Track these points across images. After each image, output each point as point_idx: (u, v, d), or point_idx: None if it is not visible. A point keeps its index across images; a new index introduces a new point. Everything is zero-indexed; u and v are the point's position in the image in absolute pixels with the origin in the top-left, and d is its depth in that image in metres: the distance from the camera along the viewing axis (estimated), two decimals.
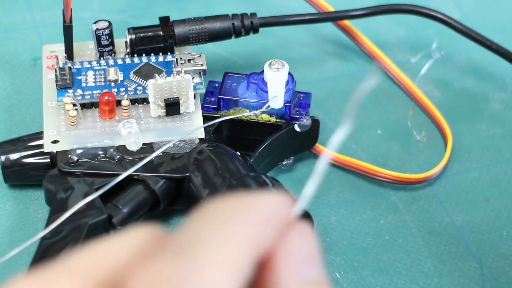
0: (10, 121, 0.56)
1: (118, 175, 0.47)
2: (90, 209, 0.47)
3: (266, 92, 0.51)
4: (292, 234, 0.27)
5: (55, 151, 0.50)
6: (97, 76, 0.52)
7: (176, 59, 0.53)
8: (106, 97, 0.50)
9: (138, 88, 0.52)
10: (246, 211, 0.27)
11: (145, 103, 0.52)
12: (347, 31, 0.61)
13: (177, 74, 0.50)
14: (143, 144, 0.50)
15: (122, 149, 0.50)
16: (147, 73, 0.52)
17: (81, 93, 0.51)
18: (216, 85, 0.53)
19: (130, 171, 0.47)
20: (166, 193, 0.49)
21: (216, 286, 0.24)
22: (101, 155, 0.50)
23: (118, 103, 0.51)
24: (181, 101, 0.51)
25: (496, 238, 0.52)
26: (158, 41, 0.54)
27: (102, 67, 0.53)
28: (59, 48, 0.55)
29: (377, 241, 0.52)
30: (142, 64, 0.53)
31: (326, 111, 0.58)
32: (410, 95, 0.59)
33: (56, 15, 0.62)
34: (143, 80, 0.52)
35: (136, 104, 0.52)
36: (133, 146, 0.50)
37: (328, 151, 0.29)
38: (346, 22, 0.60)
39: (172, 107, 0.51)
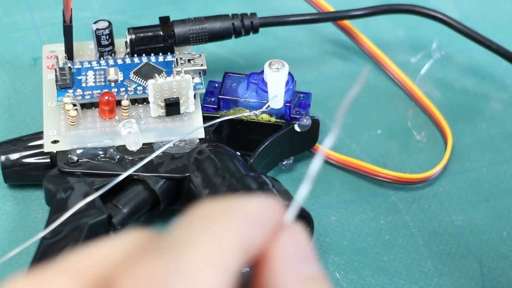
0: (10, 121, 0.56)
1: (118, 175, 0.47)
2: (90, 209, 0.47)
3: (266, 92, 0.51)
4: (284, 234, 0.28)
5: (55, 151, 0.50)
6: (97, 76, 0.52)
7: (176, 59, 0.53)
8: (106, 97, 0.51)
9: (138, 88, 0.52)
10: (233, 212, 0.27)
11: (145, 103, 0.52)
12: (347, 31, 0.61)
13: (177, 74, 0.50)
14: (143, 144, 0.50)
15: (122, 149, 0.50)
16: (147, 73, 0.52)
17: (81, 93, 0.51)
18: (216, 85, 0.53)
19: (130, 171, 0.47)
20: (166, 193, 0.49)
21: (203, 283, 0.25)
22: (101, 155, 0.50)
23: (118, 103, 0.51)
24: (181, 101, 0.51)
25: (496, 238, 0.52)
26: (158, 41, 0.54)
27: (102, 67, 0.53)
28: (59, 48, 0.55)
29: (377, 241, 0.52)
30: (142, 64, 0.53)
31: (326, 111, 0.58)
32: (410, 95, 0.59)
33: (56, 15, 0.62)
34: (143, 80, 0.52)
35: (136, 104, 0.52)
36: (133, 146, 0.50)
37: (320, 156, 0.29)
38: (346, 22, 0.60)
39: (172, 107, 0.51)
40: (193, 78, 0.52)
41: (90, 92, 0.51)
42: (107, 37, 0.53)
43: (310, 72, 0.61)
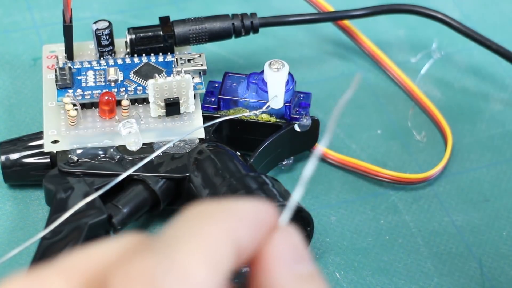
0: (10, 121, 0.56)
1: (118, 175, 0.47)
2: (90, 209, 0.47)
3: (266, 92, 0.51)
4: (278, 235, 0.28)
5: (55, 151, 0.50)
6: (97, 76, 0.52)
7: (176, 59, 0.53)
8: (106, 97, 0.51)
9: (138, 88, 0.52)
10: (226, 212, 0.28)
11: (145, 103, 0.52)
12: (347, 31, 0.61)
13: (177, 74, 0.50)
14: (143, 144, 0.50)
15: (122, 149, 0.50)
16: (147, 73, 0.52)
17: (81, 93, 0.51)
18: (216, 85, 0.53)
19: (130, 171, 0.47)
20: (166, 193, 0.49)
21: (196, 279, 0.25)
22: (101, 155, 0.50)
23: (118, 103, 0.51)
24: (181, 101, 0.51)
25: (496, 238, 0.52)
26: (158, 41, 0.54)
27: (102, 67, 0.53)
28: (59, 48, 0.55)
29: (377, 241, 0.52)
30: (142, 64, 0.53)
31: (326, 111, 0.58)
32: (410, 95, 0.59)
33: (56, 15, 0.62)
34: (143, 80, 0.52)
35: (136, 104, 0.52)
36: (133, 146, 0.50)
37: (313, 162, 0.30)
38: (346, 22, 0.60)
39: (172, 107, 0.51)
40: (193, 78, 0.52)
41: (90, 92, 0.51)
42: (107, 37, 0.53)
43: (310, 72, 0.61)
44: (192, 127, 0.51)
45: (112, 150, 0.50)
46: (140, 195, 0.49)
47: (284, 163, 0.54)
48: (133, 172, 0.47)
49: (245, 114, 0.52)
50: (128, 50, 0.54)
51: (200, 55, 0.53)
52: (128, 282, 0.25)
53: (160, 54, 0.54)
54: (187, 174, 0.49)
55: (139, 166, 0.47)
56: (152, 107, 0.51)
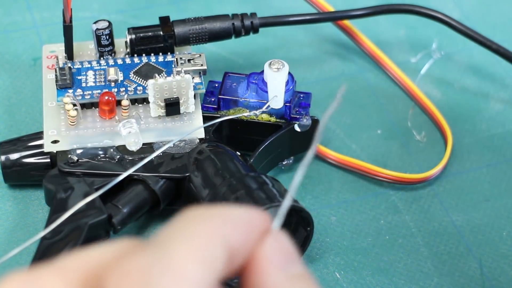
0: (10, 121, 0.56)
1: (118, 175, 0.47)
2: (90, 209, 0.47)
3: (266, 92, 0.51)
4: (268, 240, 0.29)
5: (55, 151, 0.50)
6: (97, 76, 0.52)
7: (176, 59, 0.53)
8: (106, 97, 0.51)
9: (138, 88, 0.52)
10: (217, 216, 0.29)
11: (145, 103, 0.52)
12: (347, 31, 0.61)
13: (177, 74, 0.50)
14: (143, 144, 0.50)
15: (122, 149, 0.50)
16: (147, 73, 0.52)
17: (81, 93, 0.51)
18: (216, 85, 0.53)
19: (130, 171, 0.47)
20: (166, 193, 0.49)
21: (187, 276, 0.26)
22: (101, 155, 0.50)
23: (118, 103, 0.51)
24: (181, 101, 0.51)
25: (496, 238, 0.52)
26: (158, 41, 0.54)
27: (102, 67, 0.53)
28: (59, 48, 0.55)
29: (377, 241, 0.52)
30: (142, 64, 0.53)
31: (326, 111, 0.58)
32: (410, 95, 0.59)
33: (56, 15, 0.62)
34: (143, 80, 0.52)
35: (136, 104, 0.52)
36: (133, 146, 0.50)
37: (302, 170, 0.31)
38: (346, 22, 0.60)
39: (172, 107, 0.51)
40: (193, 78, 0.52)
41: (90, 92, 0.51)
42: (107, 37, 0.53)
43: (310, 72, 0.61)
44: (192, 127, 0.51)
45: (112, 150, 0.50)
46: (140, 195, 0.49)
47: (284, 163, 0.54)
48: (133, 172, 0.47)
49: (245, 114, 0.52)
50: (128, 50, 0.54)
51: (200, 55, 0.53)
52: (123, 281, 0.26)
53: (160, 54, 0.54)
54: (187, 174, 0.49)
55: (139, 166, 0.47)
56: (152, 107, 0.51)
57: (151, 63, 0.53)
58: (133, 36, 0.53)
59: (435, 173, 0.54)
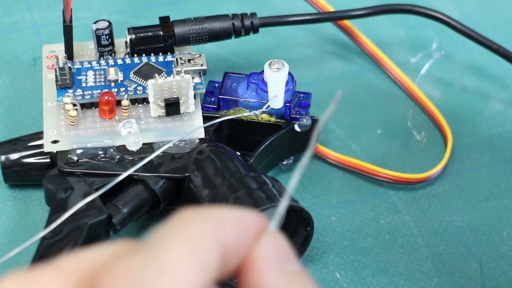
0: (10, 121, 0.56)
1: (118, 175, 0.47)
2: (90, 209, 0.47)
3: (266, 92, 0.51)
4: (263, 239, 0.30)
5: (55, 151, 0.50)
6: (97, 76, 0.52)
7: (176, 59, 0.53)
8: (106, 97, 0.50)
9: (138, 88, 0.52)
10: (209, 216, 0.29)
11: (145, 103, 0.52)
12: (347, 31, 0.61)
13: (177, 74, 0.50)
14: (143, 144, 0.50)
15: (122, 149, 0.50)
16: (147, 73, 0.52)
17: (81, 93, 0.51)
18: (216, 85, 0.53)
19: (130, 171, 0.47)
20: (166, 193, 0.49)
21: (179, 274, 0.27)
22: (101, 155, 0.50)
23: (118, 103, 0.51)
24: (181, 101, 0.51)
25: (496, 238, 0.52)
26: (158, 41, 0.54)
27: (102, 67, 0.53)
28: (59, 48, 0.55)
29: (377, 241, 0.52)
30: (142, 64, 0.53)
31: (331, 114, 0.58)
32: (410, 95, 0.59)
33: (56, 15, 0.62)
34: (143, 80, 0.52)
35: (136, 104, 0.52)
36: (133, 146, 0.50)
37: (298, 173, 0.31)
38: (346, 22, 0.60)
39: (172, 107, 0.51)
40: (193, 78, 0.52)
41: (90, 92, 0.51)
42: (107, 37, 0.53)
43: (310, 72, 0.61)
44: (192, 127, 0.51)
45: (112, 150, 0.50)
46: (140, 195, 0.49)
47: (284, 163, 0.54)
48: (133, 172, 0.47)
49: (245, 114, 0.52)
50: (128, 50, 0.54)
51: (200, 55, 0.53)
52: (117, 282, 0.26)
53: (160, 54, 0.54)
54: (187, 174, 0.49)
55: (139, 166, 0.47)
56: (152, 107, 0.51)
57: (151, 63, 0.53)
58: (133, 36, 0.53)
59: (435, 173, 0.54)
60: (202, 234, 0.28)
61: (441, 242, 0.52)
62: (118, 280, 0.26)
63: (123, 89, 0.52)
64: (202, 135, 0.51)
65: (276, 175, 0.53)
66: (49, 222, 0.46)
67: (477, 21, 0.65)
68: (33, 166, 0.51)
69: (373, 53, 0.61)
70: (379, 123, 0.58)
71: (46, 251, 0.45)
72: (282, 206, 0.31)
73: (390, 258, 0.51)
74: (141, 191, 0.49)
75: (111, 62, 0.53)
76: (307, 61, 0.61)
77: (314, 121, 0.53)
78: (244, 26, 0.55)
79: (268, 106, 0.51)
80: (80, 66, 0.53)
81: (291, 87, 0.52)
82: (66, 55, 0.53)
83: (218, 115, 0.52)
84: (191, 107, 0.51)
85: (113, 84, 0.52)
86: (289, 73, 0.52)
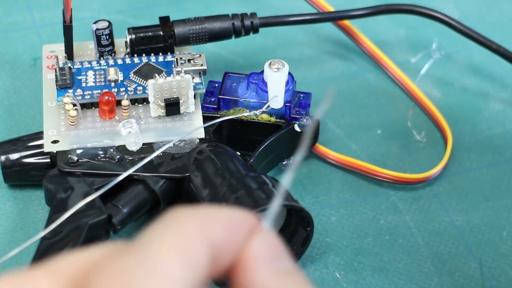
0: (10, 121, 0.56)
1: (118, 175, 0.47)
2: (90, 209, 0.47)
3: (266, 92, 0.51)
4: (256, 238, 0.30)
5: (55, 151, 0.50)
6: (97, 76, 0.52)
7: (176, 59, 0.53)
8: (106, 97, 0.51)
9: (138, 88, 0.52)
10: (197, 214, 0.29)
11: (145, 103, 0.52)
12: (347, 31, 0.61)
13: (177, 74, 0.50)
14: (143, 144, 0.50)
15: (122, 149, 0.50)
16: (147, 73, 0.52)
17: (81, 93, 0.51)
18: (216, 85, 0.53)
19: (130, 171, 0.47)
20: (166, 193, 0.49)
21: (167, 271, 0.27)
22: (101, 155, 0.50)
23: (118, 103, 0.51)
24: (181, 101, 0.51)
25: (496, 238, 0.52)
26: (158, 41, 0.54)
27: (102, 67, 0.53)
28: (59, 48, 0.55)
29: (377, 241, 0.52)
30: (142, 64, 0.53)
31: (326, 111, 0.58)
32: (410, 95, 0.59)
33: (56, 15, 0.62)
34: (143, 80, 0.52)
35: (136, 104, 0.52)
36: (133, 146, 0.50)
37: (290, 172, 0.31)
38: (346, 22, 0.60)
39: (172, 107, 0.51)
40: (193, 78, 0.52)
41: (90, 92, 0.51)
42: (107, 37, 0.53)
43: (310, 72, 0.61)
44: (192, 127, 0.51)
45: (112, 150, 0.50)
46: (140, 195, 0.49)
47: (284, 163, 0.54)
48: (133, 172, 0.47)
49: (245, 114, 0.52)
50: (128, 50, 0.54)
51: (200, 55, 0.53)
52: (106, 281, 0.27)
53: (160, 54, 0.54)
54: (187, 174, 0.49)
55: (139, 166, 0.47)
56: (152, 107, 0.51)
57: (151, 63, 0.53)
58: (133, 36, 0.53)
59: (435, 173, 0.54)
60: (190, 232, 0.28)
61: (441, 242, 0.52)
62: (108, 280, 0.27)
63: (123, 89, 0.52)
64: (202, 135, 0.51)
65: (276, 175, 0.53)
66: (49, 222, 0.46)
67: (477, 21, 0.65)
68: (33, 166, 0.51)
69: (373, 53, 0.61)
70: (379, 123, 0.58)
71: (46, 251, 0.45)
72: (275, 205, 0.31)
73: (390, 258, 0.51)
74: (141, 191, 0.49)
75: (111, 62, 0.53)
76: (307, 61, 0.61)
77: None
78: (244, 26, 0.55)
79: (268, 106, 0.51)
80: (80, 66, 0.53)
81: (291, 87, 0.52)
82: (66, 55, 0.53)
83: (218, 115, 0.52)
84: (191, 107, 0.51)
85: (113, 84, 0.52)
86: (289, 73, 0.52)
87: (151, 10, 0.64)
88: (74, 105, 0.50)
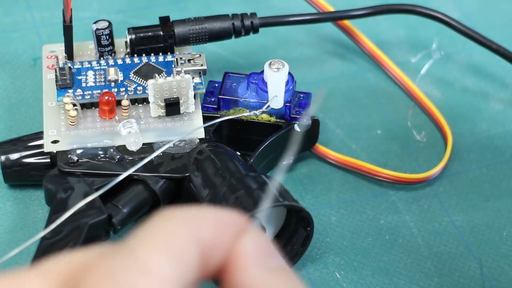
0: (10, 121, 0.56)
1: (118, 175, 0.47)
2: (90, 209, 0.47)
3: (266, 92, 0.51)
4: (245, 237, 0.30)
5: (55, 151, 0.50)
6: (97, 76, 0.52)
7: (176, 59, 0.53)
8: (106, 97, 0.51)
9: (138, 88, 0.52)
10: (186, 214, 0.30)
11: (145, 103, 0.52)
12: (347, 31, 0.61)
13: (177, 74, 0.50)
14: (143, 144, 0.50)
15: (122, 149, 0.50)
16: (147, 73, 0.52)
17: (81, 93, 0.51)
18: (216, 85, 0.53)
19: (130, 171, 0.47)
20: (166, 193, 0.49)
21: (155, 271, 0.27)
22: (101, 155, 0.50)
23: (118, 103, 0.51)
24: (181, 101, 0.51)
25: (496, 238, 0.52)
26: (158, 41, 0.54)
27: (102, 67, 0.53)
28: (59, 48, 0.55)
29: (377, 241, 0.52)
30: (142, 64, 0.53)
31: (326, 111, 0.58)
32: (410, 95, 0.59)
33: (56, 15, 0.62)
34: (143, 80, 0.52)
35: (136, 104, 0.52)
36: (133, 146, 0.50)
37: (281, 172, 0.32)
38: (346, 22, 0.60)
39: (172, 107, 0.51)
40: (193, 78, 0.52)
41: (90, 92, 0.51)
42: (107, 37, 0.53)
43: (310, 72, 0.61)
44: (192, 127, 0.51)
45: (112, 150, 0.50)
46: (140, 195, 0.49)
47: (284, 163, 0.54)
48: (133, 172, 0.47)
49: (245, 114, 0.52)
50: (128, 50, 0.54)
51: (200, 55, 0.53)
52: (96, 281, 0.27)
53: (160, 54, 0.54)
54: (187, 174, 0.49)
55: (139, 166, 0.47)
56: (152, 107, 0.51)
57: (151, 63, 0.53)
58: (133, 36, 0.53)
59: (435, 173, 0.54)
60: (179, 232, 0.29)
61: (441, 242, 0.52)
62: (98, 280, 0.27)
63: (123, 89, 0.52)
64: (202, 135, 0.51)
65: (276, 175, 0.54)
66: (49, 222, 0.46)
67: (477, 21, 0.65)
68: (33, 166, 0.51)
69: (373, 53, 0.61)
70: (379, 123, 0.58)
71: (46, 251, 0.45)
72: (265, 204, 0.32)
73: (390, 258, 0.51)
74: (141, 191, 0.49)
75: (111, 62, 0.53)
76: (307, 61, 0.61)
77: (314, 121, 0.53)
78: (244, 26, 0.55)
79: (268, 106, 0.51)
80: (80, 66, 0.53)
81: (291, 87, 0.52)
82: (66, 55, 0.53)
83: (218, 115, 0.52)
84: (191, 107, 0.51)
85: (113, 84, 0.52)
86: (289, 73, 0.52)
87: (151, 10, 0.64)
88: (74, 105, 0.50)
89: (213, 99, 0.53)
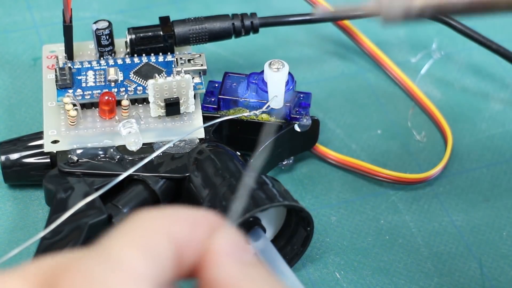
0: (10, 121, 0.56)
1: (118, 175, 0.47)
2: (90, 209, 0.47)
3: (266, 92, 0.51)
4: (219, 234, 0.31)
5: (55, 151, 0.50)
6: (97, 76, 0.52)
7: (176, 59, 0.53)
8: (106, 97, 0.51)
9: (138, 88, 0.52)
10: (159, 213, 0.30)
11: (145, 103, 0.52)
12: (347, 31, 0.61)
13: (177, 74, 0.50)
14: (143, 144, 0.50)
15: (122, 149, 0.50)
16: (147, 73, 0.52)
17: (81, 93, 0.51)
18: (216, 85, 0.53)
19: (130, 171, 0.47)
20: (166, 193, 0.49)
21: (129, 267, 0.28)
22: (101, 155, 0.50)
23: (118, 103, 0.51)
24: (181, 101, 0.51)
25: (496, 238, 0.52)
26: (158, 41, 0.54)
27: (102, 67, 0.53)
28: (59, 48, 0.55)
29: (377, 241, 0.52)
30: (142, 64, 0.53)
31: (326, 111, 0.58)
32: (410, 95, 0.59)
33: (56, 15, 0.62)
34: (143, 80, 0.52)
35: (136, 104, 0.52)
36: (133, 146, 0.50)
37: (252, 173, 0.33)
38: (346, 22, 0.60)
39: (172, 107, 0.51)
40: (193, 78, 0.52)
41: (90, 92, 0.51)
42: (107, 37, 0.53)
43: (310, 72, 0.61)
44: (192, 127, 0.51)
45: (112, 150, 0.50)
46: (140, 195, 0.49)
47: (284, 163, 0.54)
48: (133, 172, 0.47)
49: (245, 114, 0.52)
50: (128, 50, 0.54)
51: (200, 55, 0.53)
52: (71, 280, 0.28)
53: (160, 54, 0.54)
54: (187, 174, 0.49)
55: (139, 166, 0.47)
56: (152, 107, 0.51)
57: (151, 63, 0.53)
58: (133, 36, 0.53)
59: (435, 173, 0.54)
60: (153, 230, 0.29)
61: (441, 242, 0.52)
62: (73, 278, 0.28)
63: (123, 89, 0.52)
64: (202, 135, 0.51)
65: (276, 175, 0.53)
66: (49, 222, 0.46)
67: (477, 21, 0.65)
68: (33, 166, 0.51)
69: (373, 53, 0.61)
70: (379, 123, 0.58)
71: (46, 251, 0.45)
72: (240, 201, 0.33)
73: (390, 258, 0.51)
74: (141, 191, 0.49)
75: (111, 62, 0.53)
76: (307, 61, 0.61)
77: (314, 121, 0.53)
78: (244, 26, 0.55)
79: (268, 106, 0.51)
80: (80, 66, 0.53)
81: (291, 87, 0.52)
82: (66, 55, 0.53)
83: (218, 115, 0.52)
84: (191, 107, 0.51)
85: (113, 84, 0.52)
86: (289, 73, 0.52)
87: (151, 10, 0.64)
88: (74, 105, 0.50)
89: (213, 99, 0.53)
